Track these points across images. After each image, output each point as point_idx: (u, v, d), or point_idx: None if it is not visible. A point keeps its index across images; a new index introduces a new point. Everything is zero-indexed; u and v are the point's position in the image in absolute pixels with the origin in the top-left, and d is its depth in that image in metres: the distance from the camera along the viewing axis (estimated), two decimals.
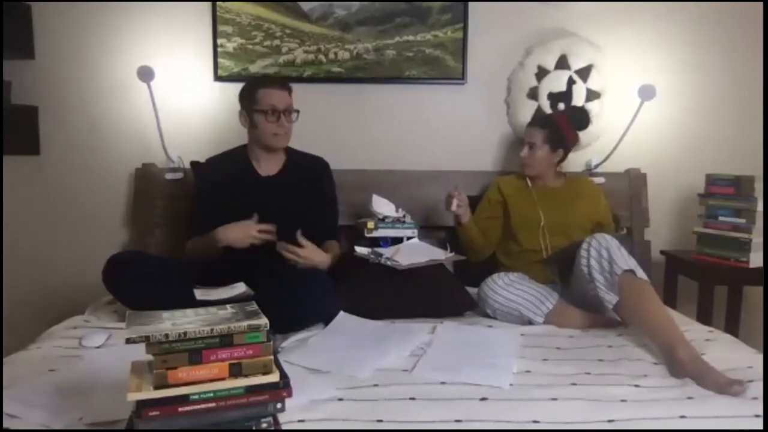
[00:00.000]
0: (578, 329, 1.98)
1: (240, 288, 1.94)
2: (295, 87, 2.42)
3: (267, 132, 2.21)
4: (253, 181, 2.27)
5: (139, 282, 1.94)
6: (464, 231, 2.36)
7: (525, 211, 2.33)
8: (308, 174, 2.32)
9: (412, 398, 1.42)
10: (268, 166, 2.30)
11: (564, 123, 2.38)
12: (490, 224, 2.42)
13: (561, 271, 2.15)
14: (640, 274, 1.85)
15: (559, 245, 2.21)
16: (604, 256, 1.88)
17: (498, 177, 2.51)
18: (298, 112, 2.26)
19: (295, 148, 2.36)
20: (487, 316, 2.10)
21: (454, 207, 2.27)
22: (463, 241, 2.39)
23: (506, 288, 2.07)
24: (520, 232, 2.32)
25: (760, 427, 1.30)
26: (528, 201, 2.34)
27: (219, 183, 2.27)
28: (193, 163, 2.51)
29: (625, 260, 1.86)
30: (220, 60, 2.68)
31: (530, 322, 2.02)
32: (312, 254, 2.06)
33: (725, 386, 1.46)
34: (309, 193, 2.29)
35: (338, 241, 2.34)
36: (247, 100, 2.23)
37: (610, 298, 1.87)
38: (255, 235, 2.05)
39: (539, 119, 2.46)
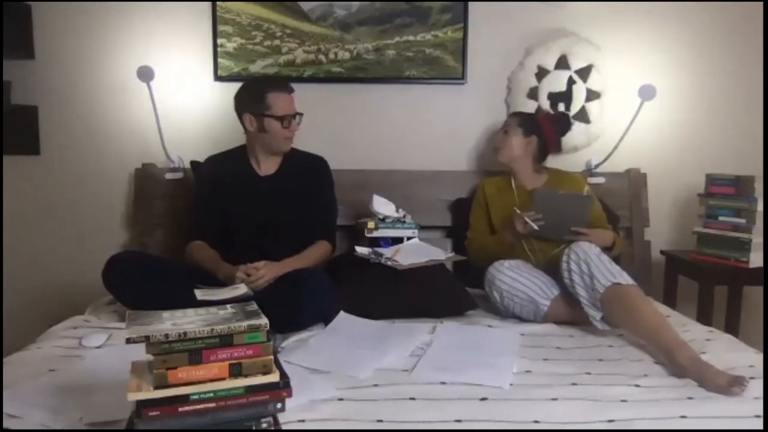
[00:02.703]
0: (579, 322, 1.98)
1: (241, 289, 1.94)
2: (295, 87, 2.41)
3: (280, 137, 2.21)
4: (252, 181, 2.26)
5: (139, 282, 1.95)
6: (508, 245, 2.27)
7: (504, 212, 2.32)
8: (307, 173, 2.31)
9: (412, 398, 1.42)
10: (267, 166, 2.29)
11: (543, 119, 2.45)
12: (489, 225, 2.41)
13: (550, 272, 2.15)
14: (626, 279, 1.84)
15: (543, 245, 2.22)
16: (585, 270, 1.88)
17: (483, 180, 2.51)
18: (302, 114, 2.25)
19: (295, 147, 2.35)
20: (491, 312, 2.10)
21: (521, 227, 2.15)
22: (497, 252, 2.26)
23: (512, 269, 2.07)
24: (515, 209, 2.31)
25: (760, 427, 1.30)
26: (508, 202, 2.34)
27: (218, 182, 2.27)
28: (193, 163, 2.51)
29: (607, 270, 1.85)
30: (220, 60, 2.68)
31: (535, 310, 2.02)
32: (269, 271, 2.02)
33: (725, 388, 1.46)
34: (307, 193, 2.28)
35: (333, 240, 2.32)
36: (255, 104, 2.18)
37: (595, 314, 1.88)
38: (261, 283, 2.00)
39: (517, 111, 2.53)
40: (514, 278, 2.05)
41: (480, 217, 2.43)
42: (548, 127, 2.42)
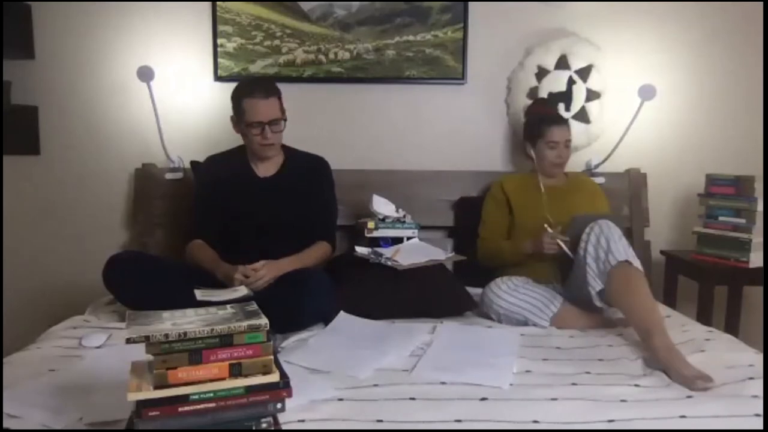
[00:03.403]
0: (579, 329, 1.98)
1: (241, 291, 1.93)
2: (295, 87, 2.43)
3: (255, 144, 2.18)
4: (250, 183, 2.26)
5: (139, 282, 1.95)
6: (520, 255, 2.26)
7: (529, 209, 2.32)
8: (307, 174, 2.30)
9: (412, 398, 1.42)
10: (266, 167, 2.28)
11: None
12: (504, 224, 2.40)
13: (561, 266, 2.15)
14: (636, 264, 1.86)
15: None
16: (602, 244, 1.89)
17: (500, 177, 2.49)
18: (285, 120, 2.19)
19: (295, 147, 2.35)
20: (489, 317, 2.10)
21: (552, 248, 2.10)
22: (513, 261, 2.28)
23: (510, 293, 2.05)
24: (522, 230, 2.31)
25: (760, 426, 1.30)
26: (532, 199, 2.33)
27: (217, 182, 2.27)
28: (193, 163, 2.51)
29: (623, 250, 1.87)
30: (220, 60, 2.68)
31: (533, 326, 2.01)
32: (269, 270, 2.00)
33: (689, 380, 1.48)
34: (307, 194, 2.27)
35: (333, 241, 2.30)
36: (235, 107, 2.18)
37: (595, 284, 1.90)
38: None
39: (558, 117, 2.44)
40: (512, 303, 2.04)
41: (496, 216, 2.40)
42: None
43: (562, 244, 2.07)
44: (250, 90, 2.14)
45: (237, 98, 2.16)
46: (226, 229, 2.23)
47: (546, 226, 2.14)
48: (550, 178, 2.39)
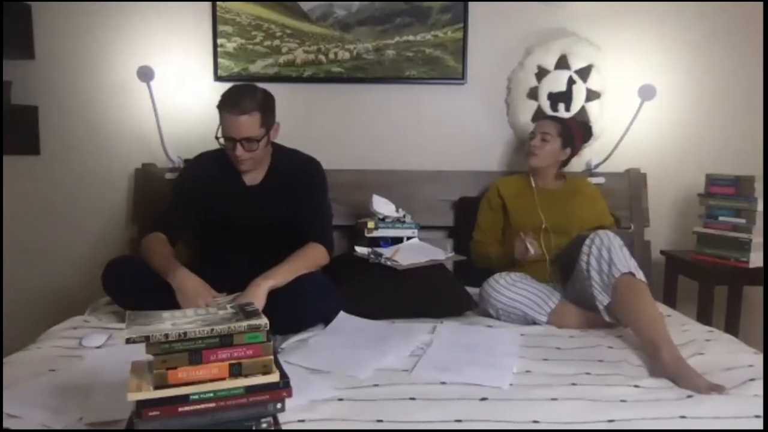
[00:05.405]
0: (579, 329, 1.98)
1: None
2: (295, 87, 2.41)
3: (232, 156, 2.05)
4: (236, 191, 2.13)
5: (137, 287, 1.92)
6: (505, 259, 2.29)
7: (525, 212, 2.32)
8: (296, 178, 2.15)
9: (412, 398, 1.42)
10: (253, 174, 2.15)
11: (576, 127, 2.42)
12: (498, 228, 2.41)
13: (561, 269, 2.15)
14: (639, 275, 1.85)
15: (560, 245, 2.21)
16: (605, 256, 1.88)
17: (497, 180, 2.49)
18: (260, 139, 2.02)
19: (291, 147, 2.25)
20: (488, 315, 2.10)
21: (532, 252, 2.13)
22: (502, 264, 2.29)
23: (508, 287, 2.06)
24: (518, 232, 2.31)
25: (760, 427, 1.30)
26: (528, 202, 2.33)
27: (205, 183, 2.15)
28: (186, 161, 2.49)
29: (625, 261, 1.86)
30: (220, 60, 2.68)
31: (533, 322, 2.02)
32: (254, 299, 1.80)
33: (704, 389, 1.47)
34: (296, 199, 2.14)
35: (327, 242, 2.13)
36: (219, 113, 2.04)
37: (602, 299, 1.88)
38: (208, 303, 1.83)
39: (552, 116, 2.49)
40: (510, 297, 2.04)
41: (489, 219, 2.41)
42: (579, 140, 2.42)
43: (530, 246, 2.10)
44: (229, 103, 1.99)
45: (219, 105, 2.04)
46: (210, 233, 2.14)
47: (521, 233, 2.18)
48: (538, 177, 2.39)
